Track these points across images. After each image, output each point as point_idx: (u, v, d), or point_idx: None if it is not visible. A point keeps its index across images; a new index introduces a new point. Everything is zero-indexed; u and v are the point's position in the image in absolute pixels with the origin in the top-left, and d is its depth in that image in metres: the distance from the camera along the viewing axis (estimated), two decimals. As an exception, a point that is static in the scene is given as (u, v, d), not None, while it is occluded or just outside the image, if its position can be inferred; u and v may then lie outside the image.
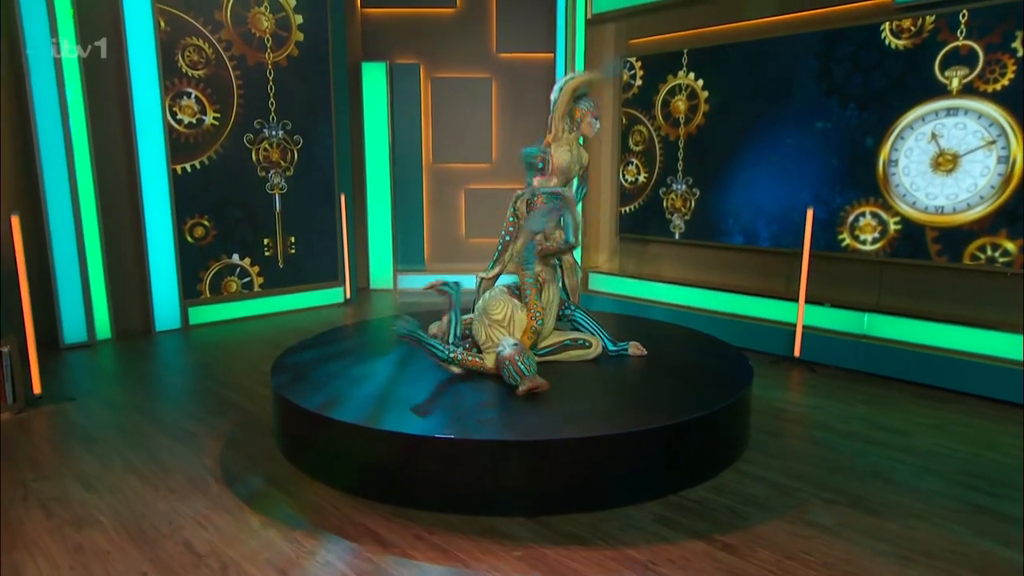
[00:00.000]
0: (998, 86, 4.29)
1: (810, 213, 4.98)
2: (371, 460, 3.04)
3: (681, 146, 6.10)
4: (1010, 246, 4.34)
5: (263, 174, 6.69)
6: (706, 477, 3.30)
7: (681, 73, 5.99)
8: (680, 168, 6.13)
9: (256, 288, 6.77)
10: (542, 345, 3.84)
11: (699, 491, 3.17)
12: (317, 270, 7.19)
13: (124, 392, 4.56)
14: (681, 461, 3.21)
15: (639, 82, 6.36)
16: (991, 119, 4.33)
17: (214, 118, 6.32)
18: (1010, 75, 4.24)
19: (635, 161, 6.51)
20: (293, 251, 6.98)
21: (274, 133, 6.71)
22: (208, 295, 6.47)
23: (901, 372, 4.75)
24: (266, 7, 6.54)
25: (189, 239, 6.29)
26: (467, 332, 4.11)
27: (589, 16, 6.66)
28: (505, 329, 3.65)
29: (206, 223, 6.38)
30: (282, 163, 6.80)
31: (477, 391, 3.45)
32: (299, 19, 6.76)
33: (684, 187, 6.13)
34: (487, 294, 3.85)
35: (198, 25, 6.15)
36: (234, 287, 6.63)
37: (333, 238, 7.27)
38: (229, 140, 6.43)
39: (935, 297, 4.78)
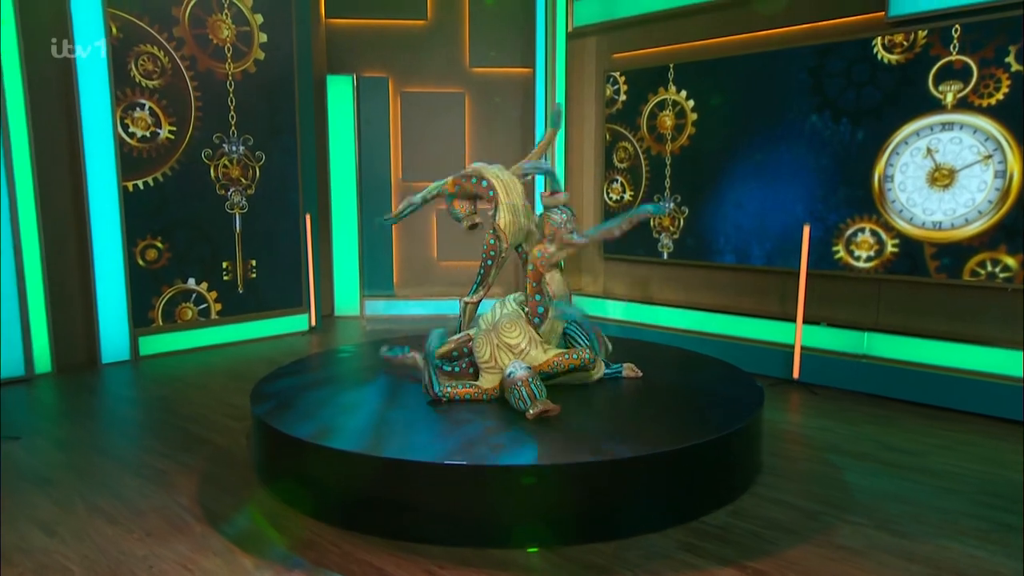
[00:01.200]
0: (992, 100, 4.52)
1: (807, 230, 5.12)
2: (372, 491, 2.96)
3: (668, 163, 6.23)
4: (1010, 261, 4.53)
5: (222, 192, 6.57)
6: (725, 502, 3.32)
7: (671, 88, 6.14)
8: (668, 186, 6.25)
9: (213, 315, 6.60)
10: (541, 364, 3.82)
11: (719, 516, 3.18)
12: (280, 295, 7.06)
13: (75, 429, 4.36)
14: (700, 485, 3.22)
15: (623, 97, 6.49)
16: (987, 133, 4.55)
17: (169, 132, 6.20)
18: (1004, 89, 4.47)
19: (620, 179, 6.62)
20: (254, 275, 6.85)
21: (234, 148, 6.62)
22: (161, 323, 6.27)
23: (903, 392, 4.88)
24: (227, 15, 6.49)
25: (140, 262, 6.11)
26: (464, 351, 4.08)
27: (570, 29, 6.81)
28: (516, 358, 3.65)
29: (159, 245, 6.22)
30: (243, 180, 6.70)
31: (480, 416, 3.41)
32: (262, 32, 6.72)
33: (672, 205, 6.25)
34: (501, 312, 3.84)
35: (153, 32, 6.06)
36: (189, 314, 6.45)
37: (297, 261, 7.16)
38: (185, 155, 6.31)
39: (935, 315, 4.94)
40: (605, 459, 2.92)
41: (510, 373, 3.50)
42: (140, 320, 6.15)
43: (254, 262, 6.84)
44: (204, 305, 6.54)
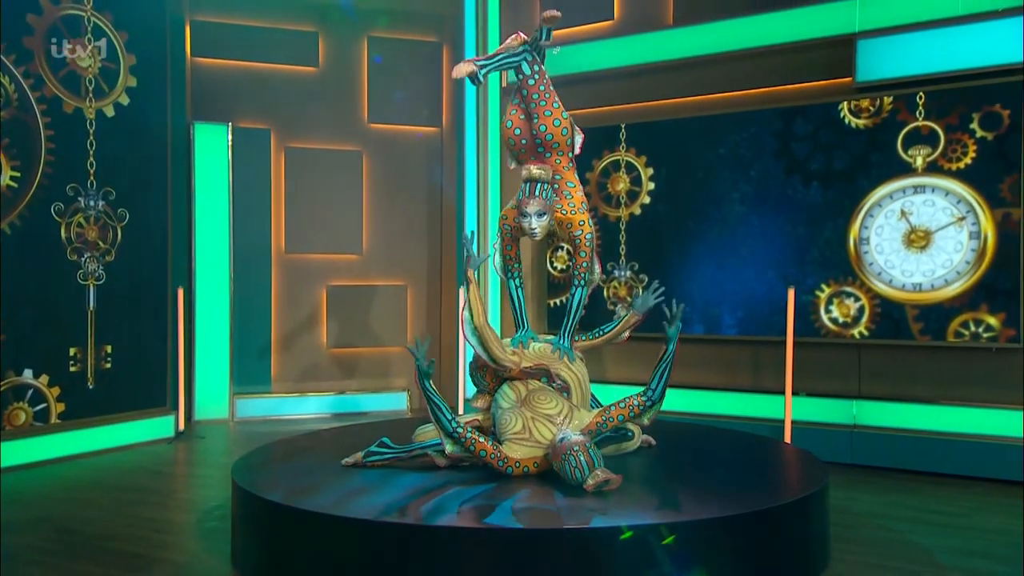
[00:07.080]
0: (961, 164, 5.49)
1: (791, 294, 5.75)
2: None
3: (623, 228, 6.71)
4: (992, 321, 5.40)
5: (75, 258, 6.06)
6: (820, 568, 3.58)
7: (619, 149, 6.71)
8: (623, 252, 6.71)
9: (54, 419, 5.91)
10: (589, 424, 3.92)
11: (824, 585, 3.44)
12: (138, 392, 6.48)
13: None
14: (798, 549, 3.48)
15: (565, 158, 6.96)
16: (958, 196, 5.49)
17: (11, 178, 5.70)
18: (971, 154, 5.46)
19: (566, 246, 6.98)
20: (108, 365, 6.26)
21: (92, 204, 6.18)
22: (-17, 430, 5.52)
23: (903, 461, 5.50)
24: (89, 39, 6.19)
25: (-38, 346, 5.42)
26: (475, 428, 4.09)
27: (504, 84, 7.23)
28: (558, 427, 3.72)
29: (-13, 324, 5.56)
30: (101, 244, 6.23)
31: (533, 483, 3.59)
32: (132, 58, 6.47)
33: (628, 273, 6.69)
34: (525, 386, 3.94)
35: (-4, 52, 5.65)
36: (22, 418, 5.73)
37: (163, 348, 6.66)
38: (30, 209, 5.79)
39: (922, 379, 5.69)
40: (699, 518, 3.16)
41: (563, 438, 3.60)
42: (-44, 426, 5.37)
43: (109, 348, 6.27)
44: (42, 405, 5.85)
